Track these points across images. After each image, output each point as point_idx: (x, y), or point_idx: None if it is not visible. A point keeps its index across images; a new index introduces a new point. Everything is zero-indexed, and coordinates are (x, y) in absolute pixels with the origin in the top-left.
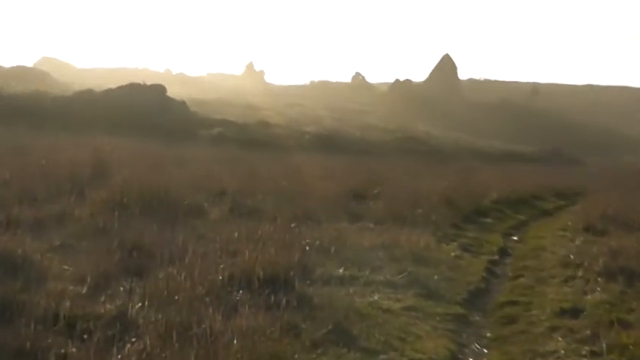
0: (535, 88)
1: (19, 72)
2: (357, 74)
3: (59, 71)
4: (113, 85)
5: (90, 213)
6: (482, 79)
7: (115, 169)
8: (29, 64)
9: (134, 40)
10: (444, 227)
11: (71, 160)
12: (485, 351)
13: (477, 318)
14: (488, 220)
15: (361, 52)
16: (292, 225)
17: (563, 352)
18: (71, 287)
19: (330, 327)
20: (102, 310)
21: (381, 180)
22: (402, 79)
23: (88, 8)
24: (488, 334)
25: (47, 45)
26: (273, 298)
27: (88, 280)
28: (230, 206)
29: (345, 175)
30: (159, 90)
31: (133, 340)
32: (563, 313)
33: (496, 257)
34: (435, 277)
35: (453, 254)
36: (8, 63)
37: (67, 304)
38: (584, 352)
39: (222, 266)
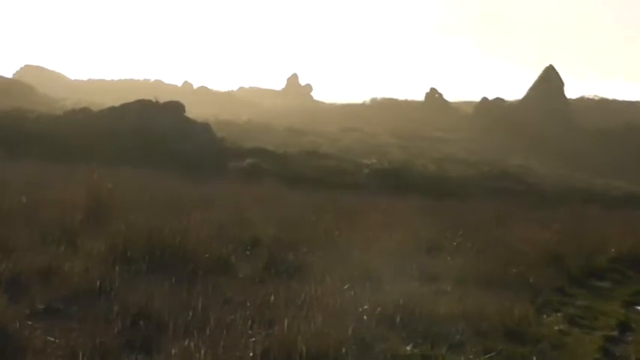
0: None
1: None
2: (433, 91)
3: (46, 84)
4: (116, 103)
5: (84, 268)
6: (597, 97)
7: (117, 212)
8: (8, 74)
9: (143, 45)
10: (546, 292)
11: (60, 198)
12: None
13: None
14: (605, 283)
15: (437, 62)
16: (346, 286)
17: None
18: None
19: None
20: None
21: (463, 228)
22: (490, 97)
23: (83, 5)
24: None
25: (30, 51)
26: None
27: (81, 356)
28: (265, 261)
29: (416, 221)
30: (175, 109)
31: None
32: None
33: (614, 333)
34: (534, 358)
35: (557, 328)
36: None
37: None
38: None
39: (253, 339)
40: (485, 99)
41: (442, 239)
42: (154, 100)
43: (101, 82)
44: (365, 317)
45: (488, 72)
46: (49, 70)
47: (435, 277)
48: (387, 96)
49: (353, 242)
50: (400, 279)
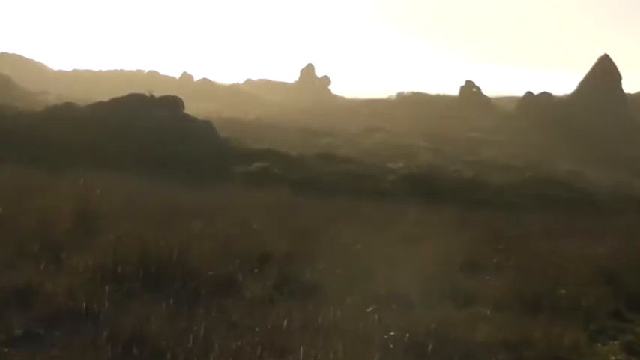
0: None
1: None
2: (469, 84)
3: (25, 75)
4: (104, 97)
5: (68, 287)
6: None
7: (106, 222)
8: None
9: (135, 31)
10: (600, 317)
11: (42, 208)
12: None
13: None
14: None
15: (474, 51)
16: (369, 309)
17: None
18: None
19: None
20: None
21: (504, 243)
22: (536, 91)
23: None
24: None
25: (6, 38)
26: None
27: None
28: (276, 280)
29: (450, 235)
30: (172, 104)
31: None
32: None
33: None
34: None
35: (613, 359)
36: None
37: None
38: None
39: None
40: (529, 94)
41: (479, 255)
42: (147, 95)
43: (88, 73)
44: (391, 345)
45: (535, 59)
46: (28, 60)
47: (472, 299)
48: (416, 90)
49: (377, 257)
50: (431, 301)
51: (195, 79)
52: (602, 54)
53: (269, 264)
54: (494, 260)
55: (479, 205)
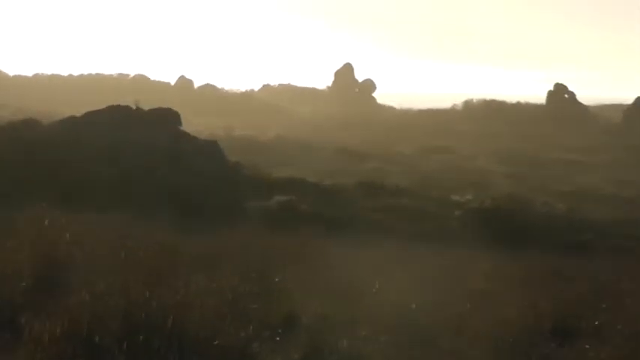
0: None
1: None
2: (559, 88)
3: None
4: (77, 110)
5: None
6: None
7: (79, 277)
8: None
9: (117, 26)
10: None
11: None
12: None
13: None
14: None
15: (554, 50)
16: None
17: None
18: None
19: None
20: None
21: (609, 300)
22: None
23: None
24: None
25: None
26: None
27: None
28: (304, 351)
29: (537, 290)
30: (166, 119)
31: None
32: None
33: None
34: None
35: None
36: None
37: None
38: None
39: None
40: None
41: (576, 317)
42: (133, 107)
43: (54, 80)
44: None
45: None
46: None
47: None
48: (489, 96)
49: (437, 321)
50: None
51: (197, 85)
52: None
53: (295, 330)
54: (597, 323)
55: (574, 248)
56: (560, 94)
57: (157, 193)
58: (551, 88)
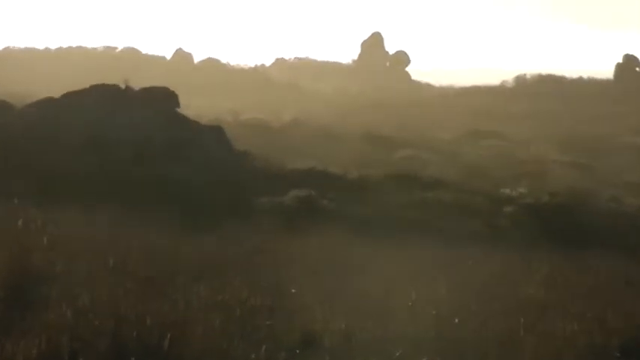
0: None
1: None
2: (629, 60)
3: None
4: (56, 91)
5: None
6: None
7: (59, 288)
8: None
9: None
10: None
11: None
12: None
13: None
14: None
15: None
16: None
17: None
18: None
19: None
20: None
21: None
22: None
23: None
24: None
25: None
26: None
27: None
28: None
29: (603, 300)
30: (161, 100)
31: None
32: None
33: None
34: None
35: None
36: None
37: None
38: None
39: None
40: None
41: None
42: (122, 86)
43: (29, 54)
44: None
45: None
46: None
47: None
48: (545, 70)
49: (487, 337)
50: None
51: (197, 59)
52: None
53: (316, 351)
54: None
55: None
56: (630, 66)
57: (151, 187)
58: (620, 60)
